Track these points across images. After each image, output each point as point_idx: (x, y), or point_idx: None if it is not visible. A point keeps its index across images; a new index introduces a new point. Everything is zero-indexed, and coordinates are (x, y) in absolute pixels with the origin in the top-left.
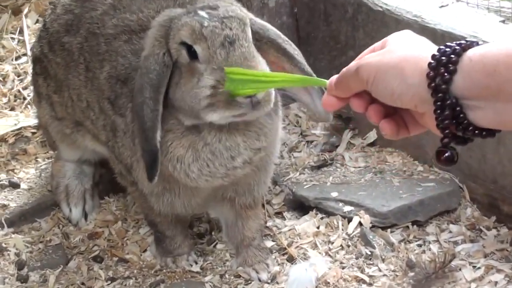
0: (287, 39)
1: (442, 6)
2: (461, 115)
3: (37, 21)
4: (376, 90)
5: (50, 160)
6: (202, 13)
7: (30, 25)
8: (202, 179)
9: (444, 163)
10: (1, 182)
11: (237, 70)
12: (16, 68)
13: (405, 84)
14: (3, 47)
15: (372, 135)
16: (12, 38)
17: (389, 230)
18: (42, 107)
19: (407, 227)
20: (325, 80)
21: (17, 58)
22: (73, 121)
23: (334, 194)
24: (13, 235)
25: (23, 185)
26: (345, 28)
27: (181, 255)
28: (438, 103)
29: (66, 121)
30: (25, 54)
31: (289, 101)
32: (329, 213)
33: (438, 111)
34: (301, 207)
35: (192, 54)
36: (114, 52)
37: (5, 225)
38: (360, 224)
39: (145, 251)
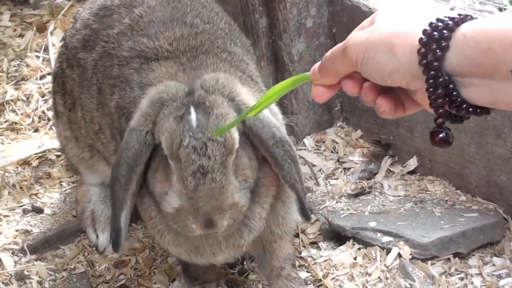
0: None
1: None
2: (454, 93)
3: (62, 39)
4: (365, 70)
5: (75, 185)
6: (192, 117)
7: (55, 42)
8: (192, 259)
9: (438, 144)
10: (24, 207)
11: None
12: (40, 87)
13: (395, 61)
14: (27, 65)
15: (412, 163)
16: (37, 57)
17: (429, 262)
18: (59, 126)
19: (449, 259)
20: (309, 73)
21: (42, 77)
22: (87, 144)
23: (372, 224)
24: (35, 262)
25: (47, 210)
26: None
27: (209, 283)
28: (430, 80)
29: (82, 144)
30: (50, 73)
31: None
32: (366, 244)
33: (431, 89)
34: (337, 237)
35: None
36: (125, 80)
37: (28, 251)
38: (399, 255)
39: (173, 280)
